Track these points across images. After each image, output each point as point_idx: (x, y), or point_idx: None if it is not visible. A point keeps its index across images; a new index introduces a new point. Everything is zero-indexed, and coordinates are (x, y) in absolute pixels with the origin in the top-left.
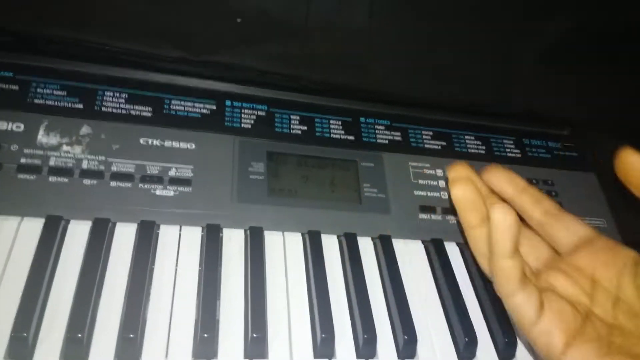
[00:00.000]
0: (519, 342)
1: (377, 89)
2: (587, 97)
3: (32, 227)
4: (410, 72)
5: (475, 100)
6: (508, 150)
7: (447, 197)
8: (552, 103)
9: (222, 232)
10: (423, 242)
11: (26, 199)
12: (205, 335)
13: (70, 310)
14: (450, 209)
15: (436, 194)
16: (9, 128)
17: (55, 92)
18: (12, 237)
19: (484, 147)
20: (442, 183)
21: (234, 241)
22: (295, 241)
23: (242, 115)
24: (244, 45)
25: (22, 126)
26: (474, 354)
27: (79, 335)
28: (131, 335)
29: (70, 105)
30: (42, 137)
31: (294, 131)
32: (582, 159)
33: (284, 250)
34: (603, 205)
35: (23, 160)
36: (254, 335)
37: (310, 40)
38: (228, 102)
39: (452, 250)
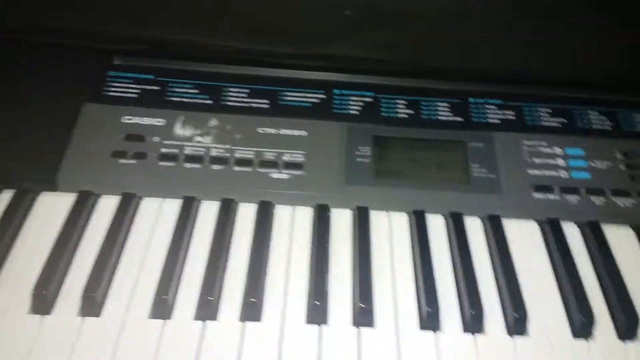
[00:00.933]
0: None
1: (489, 68)
2: None
3: (171, 207)
4: (524, 48)
5: (598, 73)
6: (638, 124)
7: (567, 176)
8: None
9: (330, 212)
10: (538, 222)
11: (167, 183)
12: (317, 302)
13: (203, 275)
14: (570, 189)
15: (554, 173)
16: (152, 123)
17: (188, 91)
18: (156, 215)
19: (609, 122)
20: (561, 161)
21: (342, 220)
22: (401, 220)
23: (350, 103)
24: (352, 35)
25: (162, 121)
26: (590, 333)
27: (209, 298)
28: (252, 300)
29: (201, 101)
30: (178, 129)
31: (400, 115)
32: None
33: (390, 229)
34: None
35: (164, 150)
36: (361, 305)
37: (416, 25)
38: (336, 91)
39: (571, 231)
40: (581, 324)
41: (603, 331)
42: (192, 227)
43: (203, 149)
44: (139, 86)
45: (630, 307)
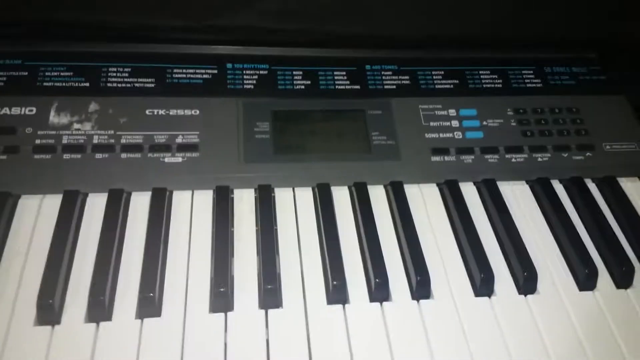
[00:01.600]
0: (539, 275)
1: (383, 33)
2: (615, 17)
3: (52, 204)
4: (415, 11)
5: (488, 31)
6: (527, 80)
7: (461, 136)
8: (576, 24)
9: (232, 194)
10: (437, 185)
11: (44, 178)
12: (221, 289)
13: (93, 274)
14: (465, 149)
15: (449, 135)
16: (22, 112)
17: (62, 74)
18: (35, 214)
19: (500, 81)
20: (455, 123)
21: (244, 201)
22: (305, 196)
23: (244, 77)
24: (244, 5)
25: (34, 109)
26: (492, 290)
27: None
28: (151, 294)
29: (77, 84)
30: (53, 117)
31: (297, 87)
32: (611, 82)
33: (295, 205)
34: (636, 128)
35: (38, 142)
36: (268, 286)
37: None
38: (229, 65)
39: (469, 191)
40: (482, 282)
41: (504, 288)
42: (78, 223)
43: (83, 137)
44: (5, 73)
45: (528, 263)
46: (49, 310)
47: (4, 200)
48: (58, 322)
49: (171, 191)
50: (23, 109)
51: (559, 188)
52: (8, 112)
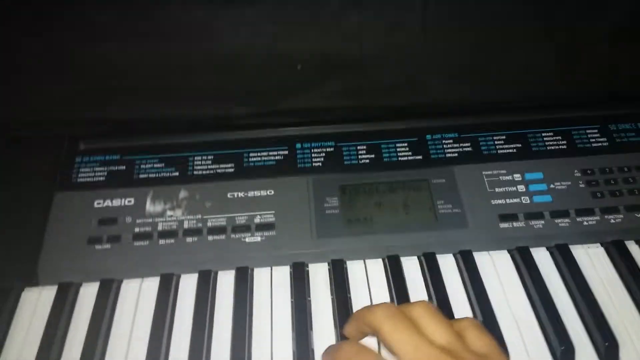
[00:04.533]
0: (620, 344)
1: (441, 102)
2: None
3: (151, 286)
4: (472, 79)
5: (549, 94)
6: (593, 140)
7: (528, 201)
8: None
9: (307, 267)
10: (509, 251)
11: (143, 263)
12: None
13: (189, 350)
14: (534, 214)
15: (516, 200)
16: (123, 203)
17: (155, 165)
18: (136, 297)
19: (564, 142)
20: (521, 187)
21: (319, 275)
22: (376, 267)
23: (312, 155)
24: (307, 88)
25: (132, 200)
26: None
27: None
28: None
29: (168, 174)
30: (149, 206)
31: (362, 161)
32: None
33: (367, 277)
34: None
35: (137, 230)
36: None
37: (369, 69)
38: (298, 145)
39: (542, 256)
40: (562, 354)
41: (585, 358)
42: (174, 303)
43: (175, 223)
44: (106, 168)
45: (609, 332)
46: None
47: (109, 285)
48: None
49: (252, 269)
50: (123, 200)
51: (634, 249)
52: (111, 204)
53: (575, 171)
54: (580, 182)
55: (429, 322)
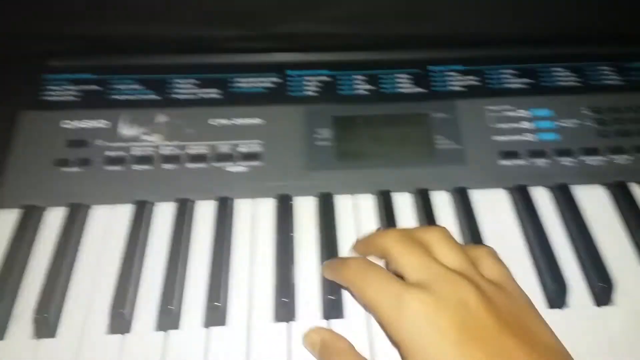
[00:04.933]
0: (615, 286)
1: (448, 32)
2: None
3: (123, 213)
4: (482, 8)
5: (562, 25)
6: (605, 77)
7: (533, 138)
8: None
9: (292, 201)
10: (507, 190)
11: (115, 188)
12: (284, 299)
13: (162, 282)
14: (538, 152)
15: (519, 137)
16: (94, 125)
17: (132, 87)
18: (106, 224)
19: (577, 79)
20: (526, 124)
21: (305, 208)
22: (366, 203)
23: (305, 83)
24: (303, 12)
25: (105, 122)
26: (564, 301)
27: (170, 307)
28: (216, 304)
29: (146, 97)
30: (123, 129)
31: (358, 92)
32: None
33: (355, 213)
34: None
35: (109, 153)
36: (329, 297)
37: None
38: (290, 72)
39: (541, 195)
40: (555, 293)
41: (578, 299)
42: (147, 232)
43: (152, 148)
44: (78, 87)
45: (605, 273)
46: (120, 319)
47: (76, 210)
48: (128, 330)
49: (232, 199)
50: (95, 122)
51: (637, 192)
52: (81, 125)
53: (584, 109)
54: (588, 120)
55: (442, 247)
